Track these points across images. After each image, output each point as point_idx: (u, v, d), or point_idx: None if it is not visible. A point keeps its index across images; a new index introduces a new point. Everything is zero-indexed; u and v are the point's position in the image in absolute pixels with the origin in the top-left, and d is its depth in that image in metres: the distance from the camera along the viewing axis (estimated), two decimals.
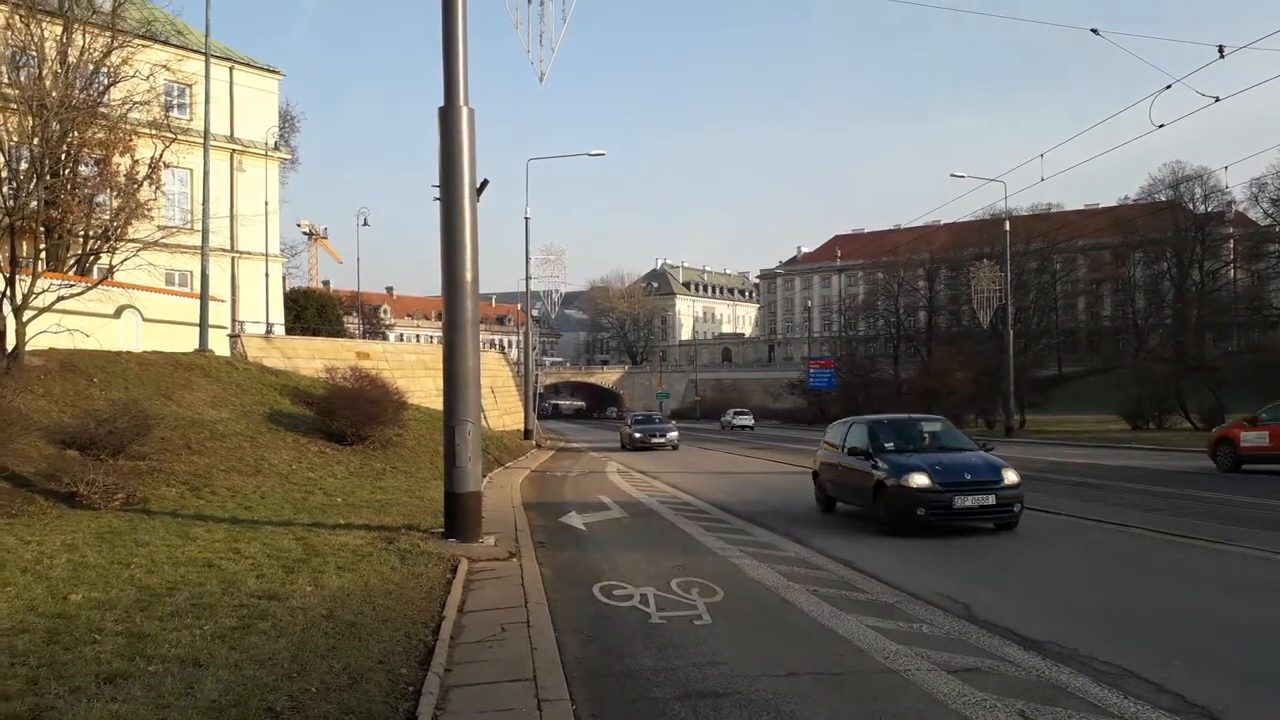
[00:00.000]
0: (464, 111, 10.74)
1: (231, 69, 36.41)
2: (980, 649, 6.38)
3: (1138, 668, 5.84)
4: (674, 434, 36.12)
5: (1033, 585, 8.86)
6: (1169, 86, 18.17)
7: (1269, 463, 20.61)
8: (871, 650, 6.33)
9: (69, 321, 17.82)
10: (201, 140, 25.89)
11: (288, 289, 48.99)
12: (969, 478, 11.67)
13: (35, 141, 18.15)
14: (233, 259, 35.83)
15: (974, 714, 5.05)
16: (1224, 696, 5.32)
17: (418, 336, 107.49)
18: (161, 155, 23.33)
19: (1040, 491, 17.36)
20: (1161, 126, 19.03)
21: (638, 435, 35.74)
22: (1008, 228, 46.90)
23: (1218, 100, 18.14)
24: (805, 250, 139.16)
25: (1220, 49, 17.10)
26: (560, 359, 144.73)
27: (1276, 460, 20.44)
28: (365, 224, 58.44)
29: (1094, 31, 18.60)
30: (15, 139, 18.27)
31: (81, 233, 22.19)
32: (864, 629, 6.90)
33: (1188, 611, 7.59)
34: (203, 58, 25.92)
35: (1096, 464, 24.72)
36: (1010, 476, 11.70)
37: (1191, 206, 78.74)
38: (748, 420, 68.56)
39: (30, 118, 18.02)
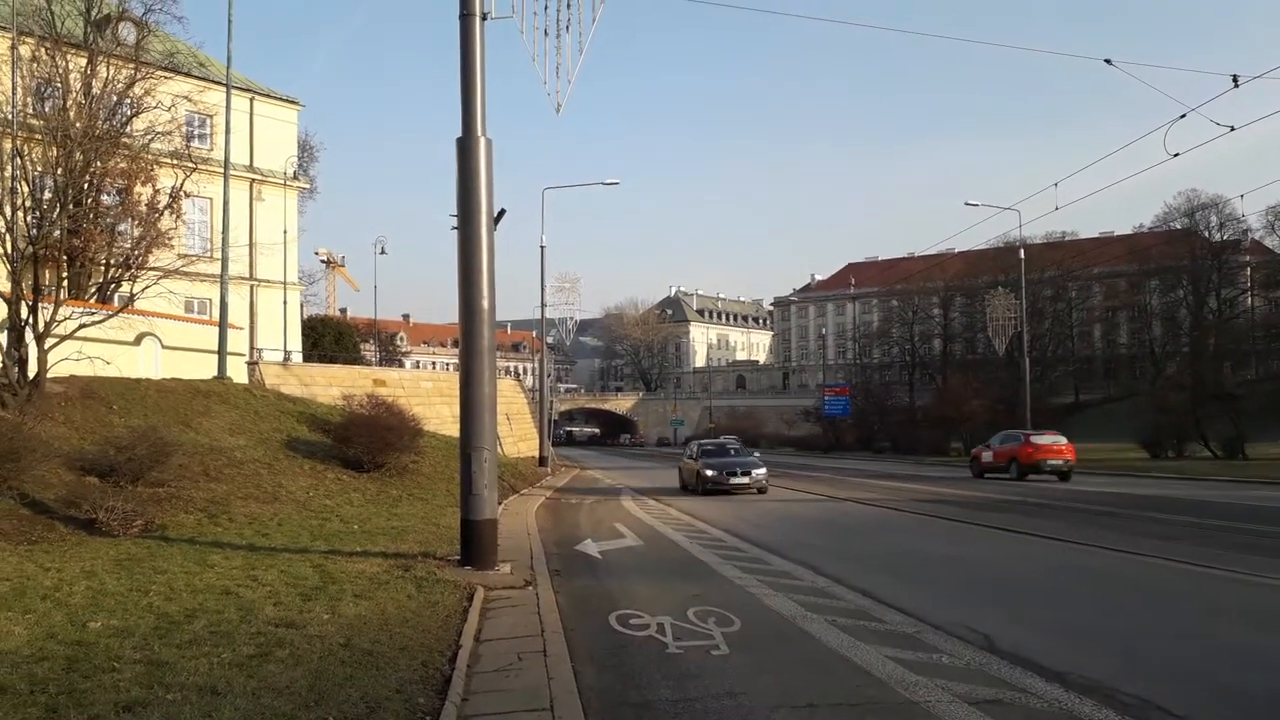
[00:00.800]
0: (481, 142, 10.85)
1: (252, 99, 36.92)
2: (1001, 680, 6.30)
3: (1162, 701, 5.76)
4: (761, 470, 25.80)
5: (1054, 615, 8.76)
6: (1183, 116, 18.20)
7: (996, 472, 32.57)
8: (891, 681, 6.27)
9: (90, 349, 17.98)
10: (221, 170, 26.22)
11: (305, 316, 49.33)
12: None
13: (59, 171, 18.44)
14: (251, 287, 36.15)
15: None
16: None
17: (434, 364, 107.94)
18: (182, 185, 23.69)
19: (1059, 520, 17.30)
20: (1176, 155, 19.06)
21: (710, 473, 25.51)
22: (1023, 256, 46.80)
23: (1233, 129, 18.16)
24: (819, 278, 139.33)
25: (1235, 78, 17.12)
26: (575, 386, 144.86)
27: (999, 469, 32.37)
28: (383, 252, 59.01)
29: (1107, 62, 18.68)
30: (40, 168, 18.55)
31: (103, 261, 22.48)
32: (883, 659, 6.84)
33: (1213, 643, 7.48)
34: (224, 89, 26.29)
35: (1116, 493, 24.49)
36: None
37: (1207, 234, 78.46)
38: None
39: (54, 148, 18.31)
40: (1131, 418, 48.43)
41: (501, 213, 11.45)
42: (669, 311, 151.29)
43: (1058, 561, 12.34)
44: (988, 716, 5.48)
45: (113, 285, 22.95)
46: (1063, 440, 31.07)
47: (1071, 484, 28.49)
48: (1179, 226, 79.18)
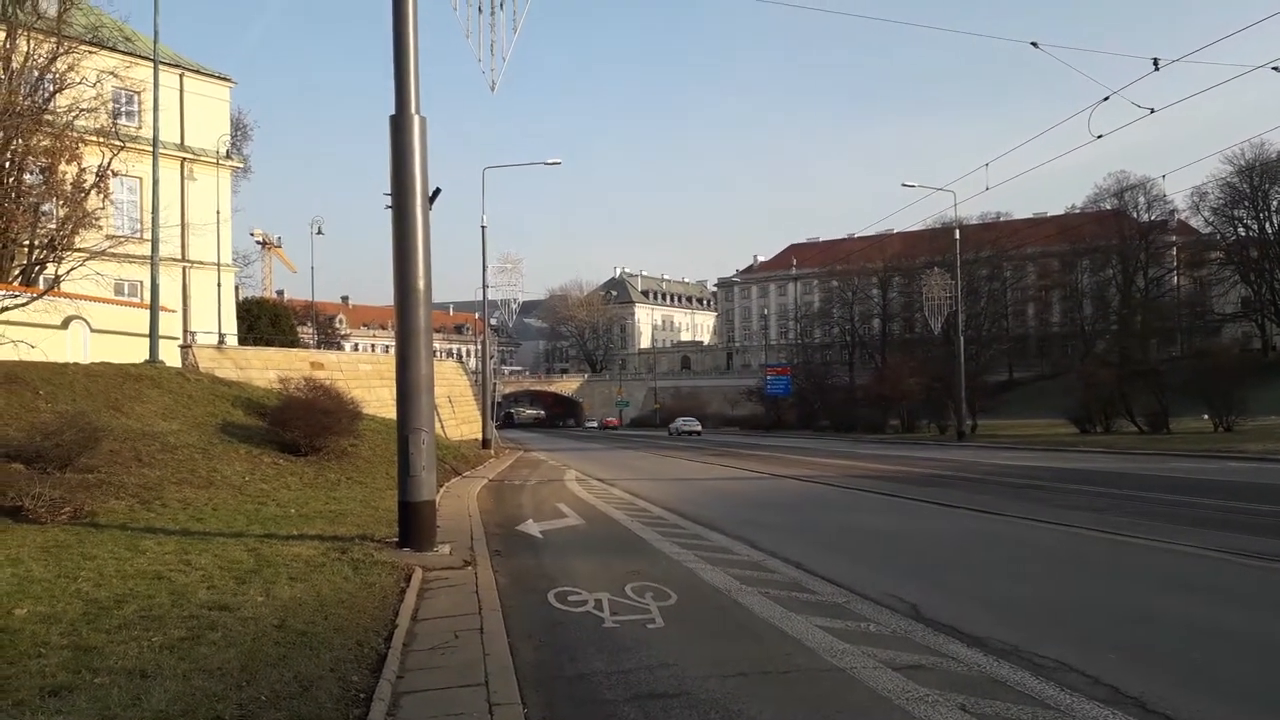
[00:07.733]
0: (415, 120, 10.75)
1: (182, 76, 35.93)
2: (925, 646, 6.52)
3: (1076, 662, 6.02)
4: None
5: (978, 584, 9.06)
6: (1107, 98, 18.69)
7: (610, 429, 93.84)
8: (820, 649, 6.45)
9: (13, 333, 17.47)
10: (151, 148, 25.53)
11: (241, 299, 48.37)
12: None
13: None
14: (184, 268, 35.31)
15: (916, 709, 5.19)
16: (1155, 688, 5.52)
17: (373, 346, 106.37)
18: (110, 163, 22.99)
19: (988, 494, 17.79)
20: (1100, 137, 19.60)
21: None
22: (958, 236, 47.70)
23: (1153, 111, 18.68)
24: (761, 259, 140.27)
25: (1155, 61, 17.61)
26: (519, 368, 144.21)
27: (612, 428, 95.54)
28: (320, 233, 58.00)
29: (1034, 45, 19.06)
30: None
31: (27, 242, 21.75)
32: (813, 629, 7.02)
33: (1125, 608, 7.82)
34: (151, 64, 25.55)
35: (1045, 467, 25.24)
36: None
37: (1136, 215, 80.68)
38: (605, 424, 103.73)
39: None
40: (1063, 394, 49.75)
41: (437, 191, 11.36)
42: (614, 293, 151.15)
43: (984, 533, 12.73)
44: (911, 681, 5.67)
45: (37, 267, 22.24)
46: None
47: (1004, 459, 29.47)
48: (1109, 207, 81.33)
